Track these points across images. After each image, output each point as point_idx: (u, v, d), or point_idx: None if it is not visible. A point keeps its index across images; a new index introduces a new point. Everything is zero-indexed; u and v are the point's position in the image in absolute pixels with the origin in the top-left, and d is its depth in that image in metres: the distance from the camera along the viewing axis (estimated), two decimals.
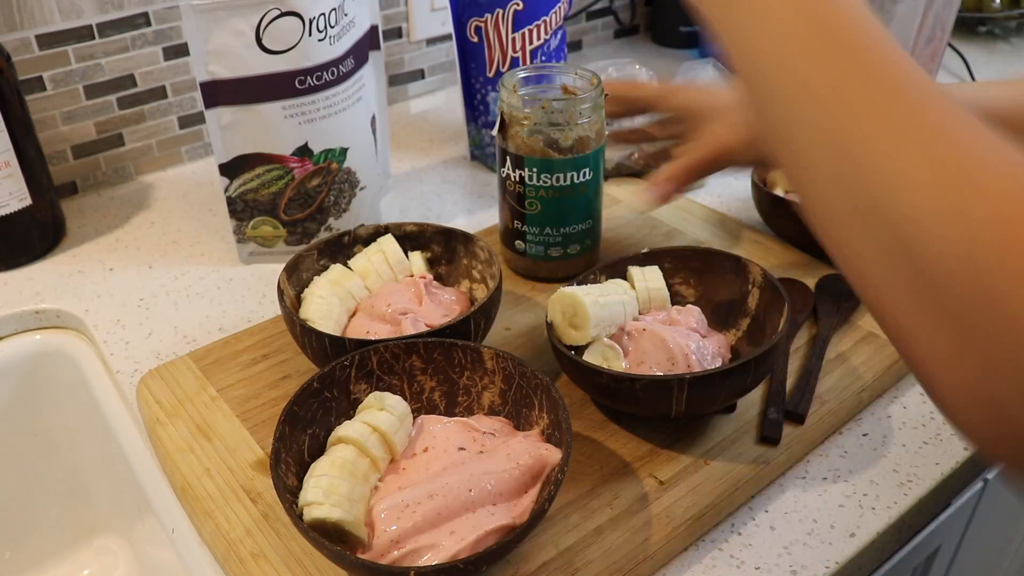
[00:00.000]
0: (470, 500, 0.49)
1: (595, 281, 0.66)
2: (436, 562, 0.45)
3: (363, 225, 0.70)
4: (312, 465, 0.50)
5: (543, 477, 0.51)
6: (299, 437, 0.51)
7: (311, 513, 0.46)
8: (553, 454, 0.51)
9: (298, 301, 0.65)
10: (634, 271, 0.66)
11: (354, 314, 0.66)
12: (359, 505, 0.48)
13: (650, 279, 0.65)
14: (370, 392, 0.55)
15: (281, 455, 0.49)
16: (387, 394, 0.54)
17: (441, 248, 0.70)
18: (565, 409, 0.52)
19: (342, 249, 0.70)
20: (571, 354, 0.59)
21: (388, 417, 0.52)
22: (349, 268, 0.68)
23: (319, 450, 0.52)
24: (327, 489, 0.47)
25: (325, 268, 0.68)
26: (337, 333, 0.63)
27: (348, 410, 0.55)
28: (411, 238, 0.70)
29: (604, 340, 0.61)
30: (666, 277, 0.66)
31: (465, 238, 0.69)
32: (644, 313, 0.64)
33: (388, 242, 0.69)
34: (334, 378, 0.54)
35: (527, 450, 0.51)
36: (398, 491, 0.49)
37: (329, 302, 0.64)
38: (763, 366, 0.55)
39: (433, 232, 0.70)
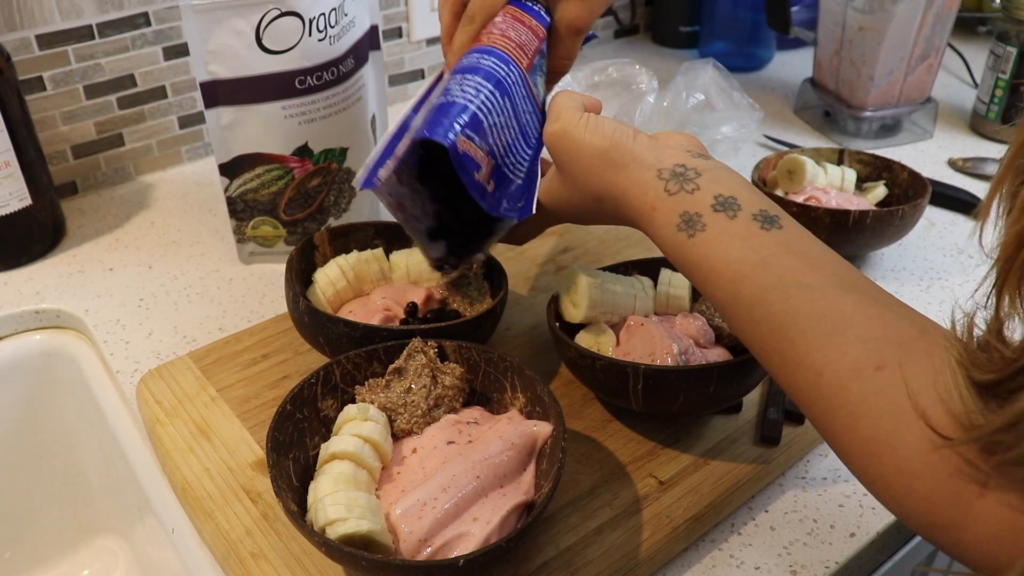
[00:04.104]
0: (481, 486, 0.49)
1: (625, 273, 0.67)
2: (471, 549, 0.46)
3: None
4: (311, 487, 0.49)
5: (536, 452, 0.53)
6: (284, 463, 0.50)
7: (338, 530, 0.45)
8: (543, 428, 0.53)
9: (325, 261, 0.68)
10: (665, 273, 0.66)
11: (361, 296, 0.67)
12: (379, 515, 0.48)
13: (674, 284, 0.65)
14: (336, 407, 0.55)
15: (279, 482, 0.48)
16: (367, 405, 0.54)
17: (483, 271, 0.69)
18: (543, 383, 0.53)
19: (399, 237, 0.70)
20: (556, 325, 0.60)
21: (375, 427, 0.52)
22: (387, 256, 0.69)
23: (303, 473, 0.51)
24: (348, 504, 0.46)
25: (374, 247, 0.69)
26: (334, 302, 0.65)
27: (320, 429, 0.54)
28: None
29: (602, 325, 0.62)
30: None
31: (500, 272, 0.67)
32: (658, 314, 0.65)
33: None
34: (303, 398, 0.53)
35: (516, 429, 0.53)
36: (408, 492, 0.49)
37: (344, 273, 0.66)
38: (730, 377, 0.55)
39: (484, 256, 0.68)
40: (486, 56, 0.56)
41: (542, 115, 0.61)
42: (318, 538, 0.44)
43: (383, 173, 0.55)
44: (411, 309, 0.64)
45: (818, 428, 0.40)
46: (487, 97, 0.54)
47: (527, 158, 0.58)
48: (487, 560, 0.45)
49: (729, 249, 0.43)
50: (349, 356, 0.56)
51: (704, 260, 0.44)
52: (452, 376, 0.56)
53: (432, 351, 0.56)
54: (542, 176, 0.58)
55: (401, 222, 0.60)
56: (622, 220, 0.51)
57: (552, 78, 0.64)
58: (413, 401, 0.55)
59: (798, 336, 0.40)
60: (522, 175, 0.57)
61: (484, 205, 0.53)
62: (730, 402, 0.59)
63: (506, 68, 0.56)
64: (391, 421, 0.54)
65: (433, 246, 0.61)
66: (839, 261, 0.43)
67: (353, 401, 0.55)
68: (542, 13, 0.61)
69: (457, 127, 0.51)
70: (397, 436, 0.54)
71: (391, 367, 0.56)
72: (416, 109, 0.60)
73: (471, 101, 0.53)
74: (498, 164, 0.55)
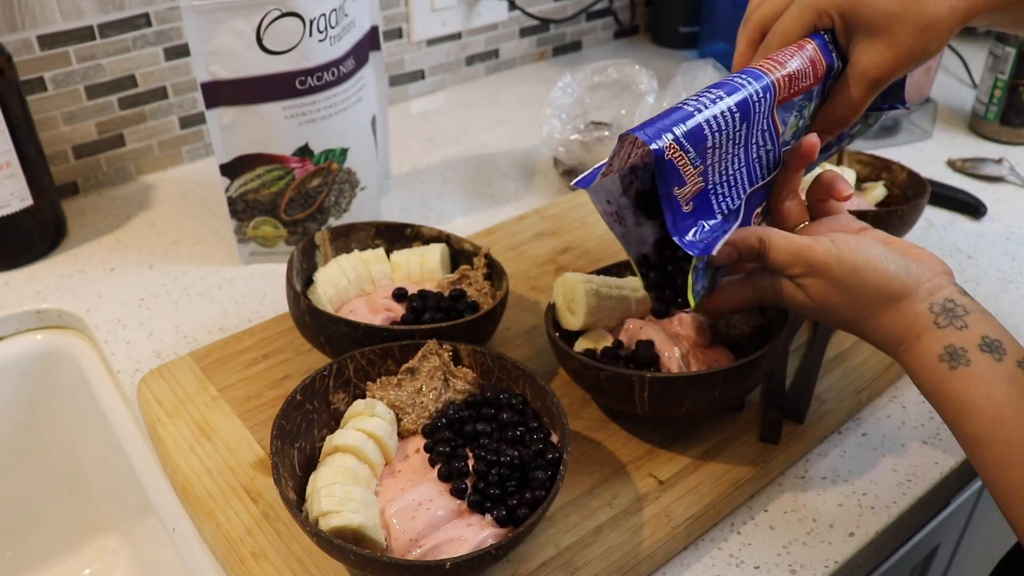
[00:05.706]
0: None
1: (619, 274, 0.66)
2: (462, 553, 0.45)
3: (429, 227, 0.71)
4: (311, 477, 0.49)
5: None
6: (289, 451, 0.50)
7: (329, 522, 0.45)
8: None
9: (326, 261, 0.68)
10: None
11: (363, 296, 0.67)
12: (373, 510, 0.48)
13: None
14: (347, 401, 0.55)
15: (280, 470, 0.48)
16: (375, 401, 0.54)
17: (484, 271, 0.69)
18: (553, 394, 0.53)
19: (400, 238, 0.71)
20: (556, 335, 0.59)
21: (381, 423, 0.52)
22: (388, 256, 0.69)
23: (307, 463, 0.52)
24: (342, 497, 0.46)
25: (375, 247, 0.70)
26: (335, 302, 0.65)
27: (329, 421, 0.54)
28: (464, 254, 0.70)
29: (600, 330, 0.61)
30: None
31: (500, 272, 0.67)
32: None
33: (433, 251, 0.69)
34: (314, 389, 0.54)
35: None
36: (406, 491, 0.50)
37: (345, 273, 0.66)
38: (734, 380, 0.55)
39: (485, 256, 0.68)
40: (742, 74, 0.49)
41: (778, 158, 0.53)
42: (310, 528, 0.45)
43: (604, 171, 0.49)
44: (399, 293, 0.65)
45: None
46: (723, 113, 0.47)
47: (740, 197, 0.51)
48: (475, 564, 0.45)
49: (993, 389, 0.44)
50: (364, 352, 0.56)
51: (963, 394, 0.45)
52: (464, 380, 0.56)
53: (447, 354, 0.56)
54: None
55: (619, 237, 0.55)
56: (873, 339, 0.50)
57: (824, 128, 0.55)
58: (422, 402, 0.55)
59: None
60: (725, 213, 0.50)
61: (668, 220, 0.47)
62: (733, 403, 0.59)
63: (758, 91, 0.48)
64: (399, 420, 0.54)
65: (646, 274, 0.56)
66: None
67: (364, 396, 0.55)
68: (833, 55, 0.53)
69: (671, 134, 0.45)
70: (403, 435, 0.54)
71: (404, 366, 0.56)
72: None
73: (701, 111, 0.46)
74: (706, 189, 0.48)
